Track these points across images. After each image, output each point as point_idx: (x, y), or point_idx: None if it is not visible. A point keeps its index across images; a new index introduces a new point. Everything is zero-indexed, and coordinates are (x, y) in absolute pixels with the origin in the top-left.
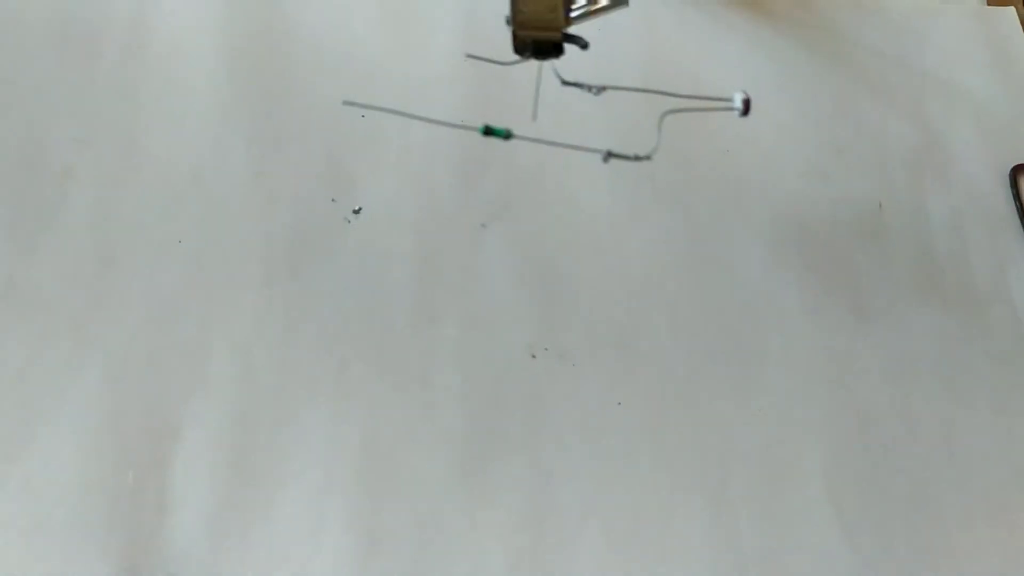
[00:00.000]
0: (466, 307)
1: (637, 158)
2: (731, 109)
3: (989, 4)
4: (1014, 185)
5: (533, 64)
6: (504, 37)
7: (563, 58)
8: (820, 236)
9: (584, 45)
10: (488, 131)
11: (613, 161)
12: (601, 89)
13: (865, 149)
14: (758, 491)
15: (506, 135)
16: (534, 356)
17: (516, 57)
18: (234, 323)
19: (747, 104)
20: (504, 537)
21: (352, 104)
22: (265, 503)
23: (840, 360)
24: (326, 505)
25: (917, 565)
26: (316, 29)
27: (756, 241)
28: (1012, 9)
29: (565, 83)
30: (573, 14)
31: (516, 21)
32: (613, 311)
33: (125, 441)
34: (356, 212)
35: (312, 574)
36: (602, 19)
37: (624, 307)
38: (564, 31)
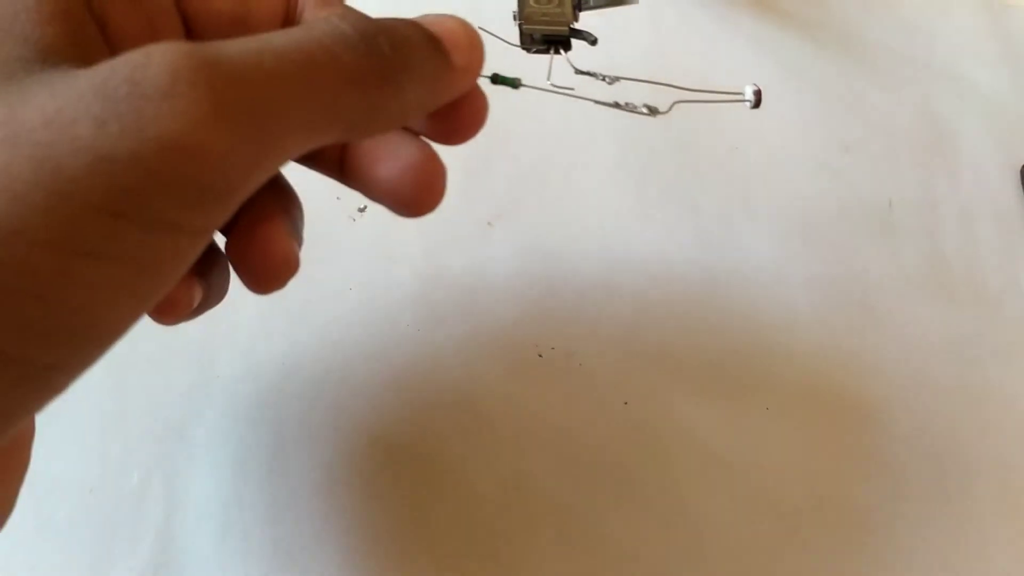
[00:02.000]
0: (472, 306)
1: (649, 111)
2: (743, 101)
3: None
4: None
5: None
6: (503, 30)
7: (569, 56)
8: (829, 234)
9: (593, 41)
10: (497, 79)
11: (620, 161)
12: (615, 79)
13: (874, 146)
14: (766, 489)
15: (515, 84)
16: (540, 355)
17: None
18: (237, 322)
19: (758, 96)
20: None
21: None
22: (270, 503)
23: (849, 359)
24: (330, 505)
25: (927, 564)
26: None
27: (764, 239)
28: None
29: (578, 72)
30: (581, 10)
31: (523, 15)
32: (620, 309)
33: (129, 441)
34: (361, 210)
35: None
36: (606, 18)
37: (631, 305)
38: (571, 26)
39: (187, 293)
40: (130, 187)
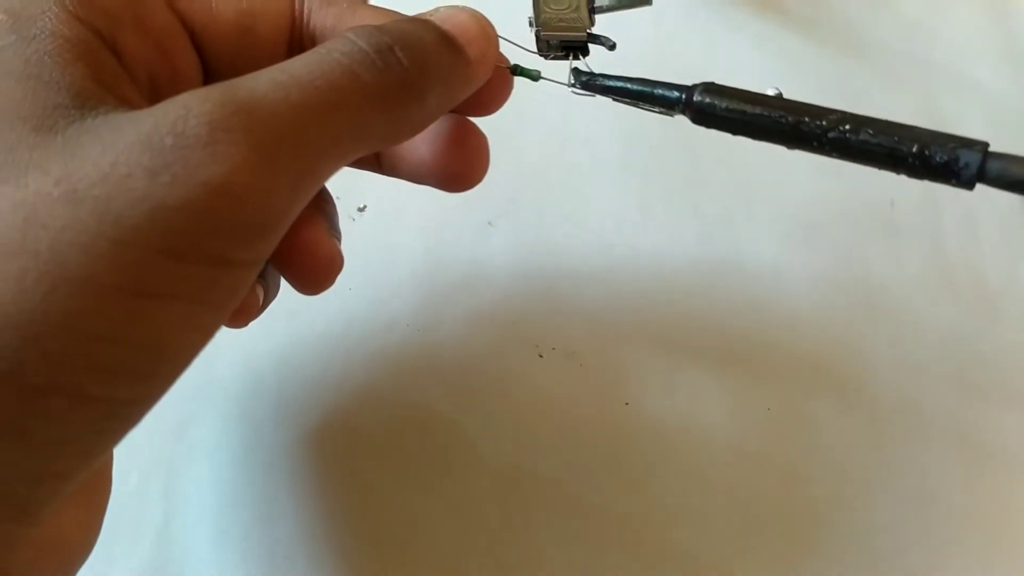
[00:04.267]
0: (472, 306)
1: (664, 111)
2: None
3: None
4: None
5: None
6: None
7: (587, 61)
8: (831, 233)
9: (611, 46)
10: (517, 70)
11: (622, 161)
12: None
13: None
14: (768, 490)
15: (535, 76)
16: (541, 355)
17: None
18: None
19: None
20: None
21: None
22: (270, 503)
23: (850, 358)
24: (329, 504)
25: (929, 564)
26: None
27: (765, 238)
28: None
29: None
30: (595, 12)
31: (540, 22)
32: (621, 310)
33: (128, 442)
34: (361, 210)
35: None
36: (610, 18)
37: (632, 305)
38: (589, 31)
39: (254, 297)
40: (185, 231)
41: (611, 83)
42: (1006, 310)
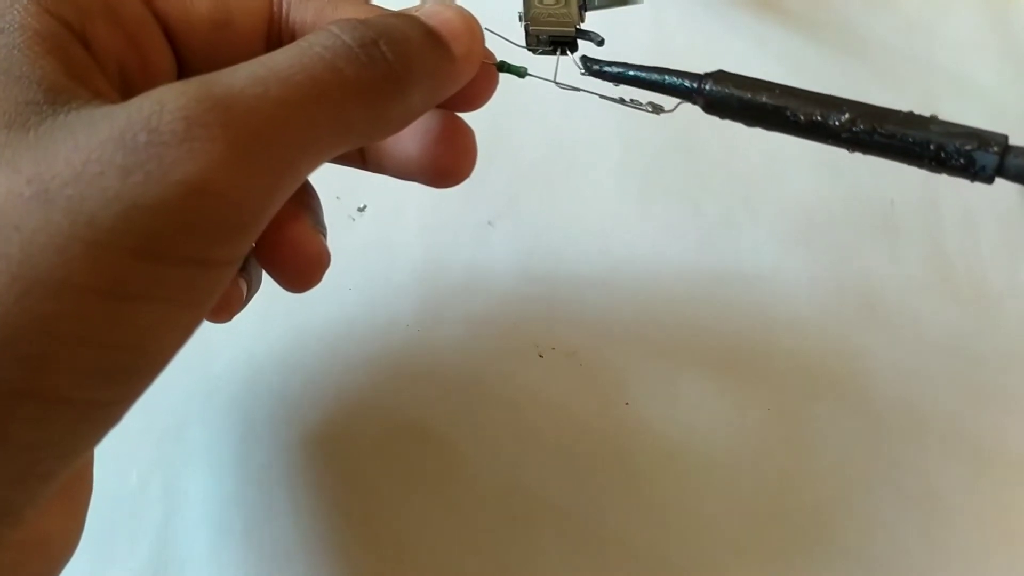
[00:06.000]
0: (472, 306)
1: (653, 109)
2: None
3: None
4: None
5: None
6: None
7: (575, 57)
8: (831, 234)
9: (599, 42)
10: (503, 66)
11: (622, 161)
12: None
13: None
14: (767, 491)
15: (521, 73)
16: (541, 355)
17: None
18: (237, 322)
19: None
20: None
21: None
22: (270, 503)
23: (850, 359)
24: (329, 504)
25: (928, 565)
26: None
27: (765, 239)
28: None
29: (584, 73)
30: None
31: (529, 16)
32: (621, 309)
33: (128, 441)
34: (361, 210)
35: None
36: (609, 17)
37: (632, 305)
38: (577, 26)
39: (236, 292)
40: (160, 231)
41: (620, 71)
42: (1006, 310)
